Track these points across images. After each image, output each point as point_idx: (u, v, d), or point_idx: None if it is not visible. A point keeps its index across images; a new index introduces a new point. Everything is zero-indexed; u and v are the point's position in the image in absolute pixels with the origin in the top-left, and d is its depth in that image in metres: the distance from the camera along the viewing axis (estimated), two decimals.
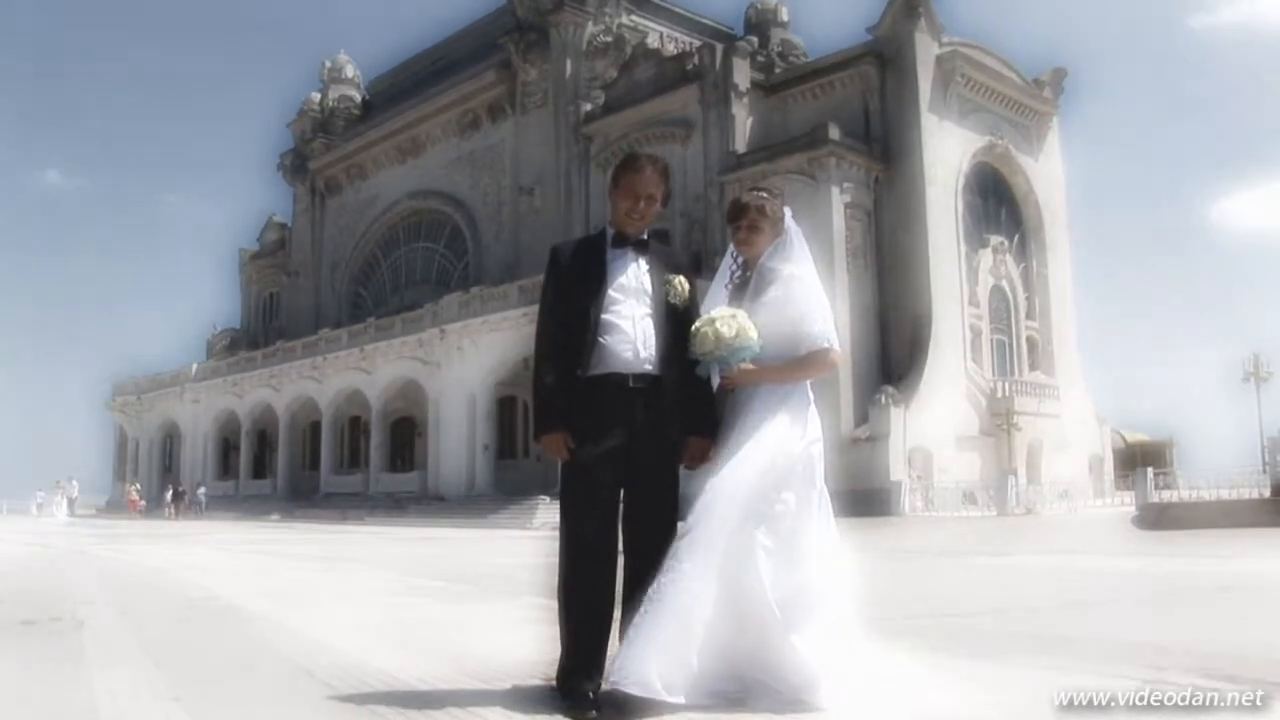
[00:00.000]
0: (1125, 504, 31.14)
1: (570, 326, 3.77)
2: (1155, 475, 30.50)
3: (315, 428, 55.59)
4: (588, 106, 51.52)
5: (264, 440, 59.92)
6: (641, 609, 3.46)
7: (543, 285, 3.94)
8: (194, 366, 64.90)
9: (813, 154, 42.50)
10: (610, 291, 3.79)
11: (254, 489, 58.18)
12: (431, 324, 46.65)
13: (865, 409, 39.88)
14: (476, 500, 41.80)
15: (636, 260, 3.87)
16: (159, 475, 64.38)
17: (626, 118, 49.73)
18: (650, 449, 3.72)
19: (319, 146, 68.76)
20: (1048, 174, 50.24)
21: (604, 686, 3.46)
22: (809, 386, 3.87)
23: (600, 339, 3.73)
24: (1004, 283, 47.41)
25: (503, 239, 55.68)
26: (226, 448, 62.72)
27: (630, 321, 3.76)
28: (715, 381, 3.87)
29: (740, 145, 45.79)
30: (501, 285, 45.73)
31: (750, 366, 3.74)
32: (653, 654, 3.37)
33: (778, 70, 49.63)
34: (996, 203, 48.17)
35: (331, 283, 67.31)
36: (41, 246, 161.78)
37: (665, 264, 3.91)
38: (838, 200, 42.22)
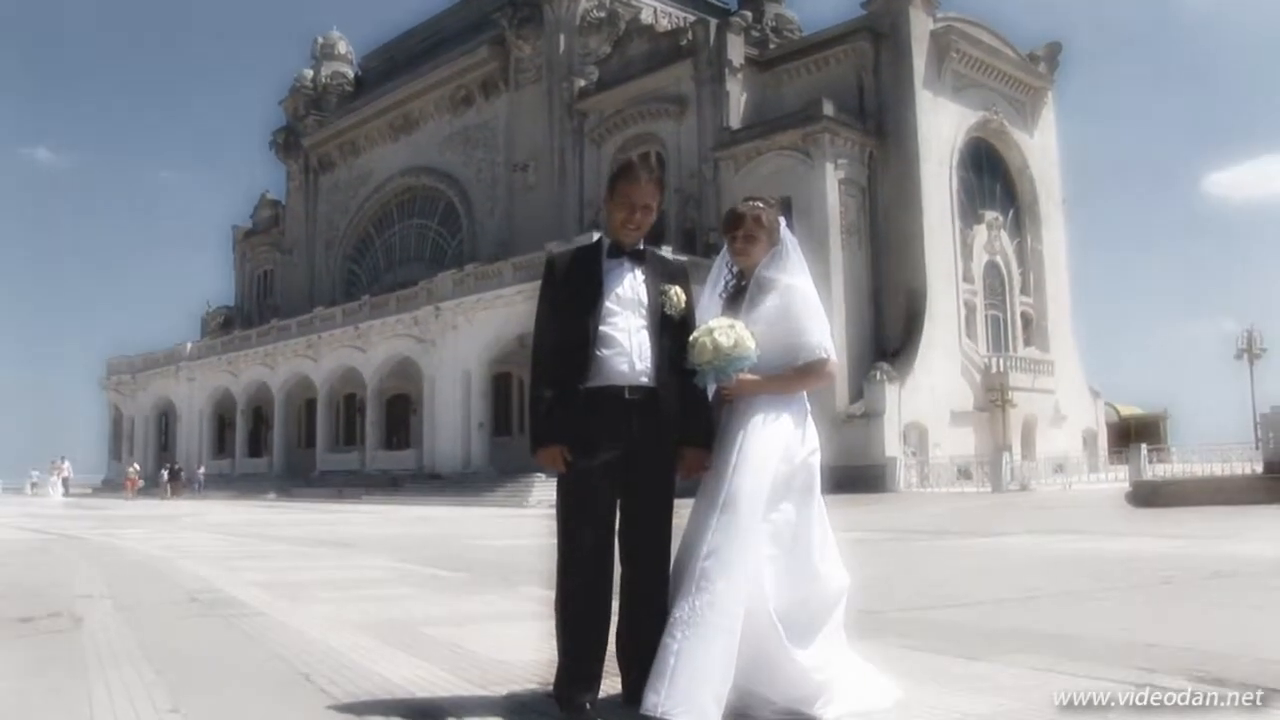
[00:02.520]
0: (1119, 479, 31.29)
1: (567, 339, 3.78)
2: (1149, 451, 30.71)
3: (310, 405, 55.63)
4: (581, 83, 51.42)
5: (259, 418, 59.95)
6: (677, 634, 3.44)
7: (539, 296, 3.93)
8: (188, 345, 64.82)
9: (807, 130, 42.47)
10: (607, 303, 3.78)
11: (250, 467, 58.31)
12: (426, 301, 46.65)
13: (860, 385, 40.00)
14: (472, 478, 41.89)
15: (633, 271, 3.86)
16: (155, 454, 64.48)
17: (620, 94, 49.63)
18: (646, 461, 3.72)
19: (312, 124, 68.54)
20: (1042, 149, 50.27)
21: (654, 715, 3.41)
22: (806, 396, 3.88)
23: (597, 352, 3.74)
24: (998, 258, 47.48)
25: (497, 215, 55.61)
26: (222, 426, 62.77)
27: (626, 334, 3.76)
28: (711, 391, 3.87)
29: (734, 121, 45.71)
30: (496, 262, 45.71)
31: (748, 377, 3.74)
32: (703, 681, 3.36)
33: (772, 46, 49.52)
34: (991, 178, 48.21)
35: (326, 260, 67.25)
36: (33, 225, 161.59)
37: (661, 274, 3.91)
38: (832, 176, 42.24)
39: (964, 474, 37.40)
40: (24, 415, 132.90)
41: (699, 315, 3.95)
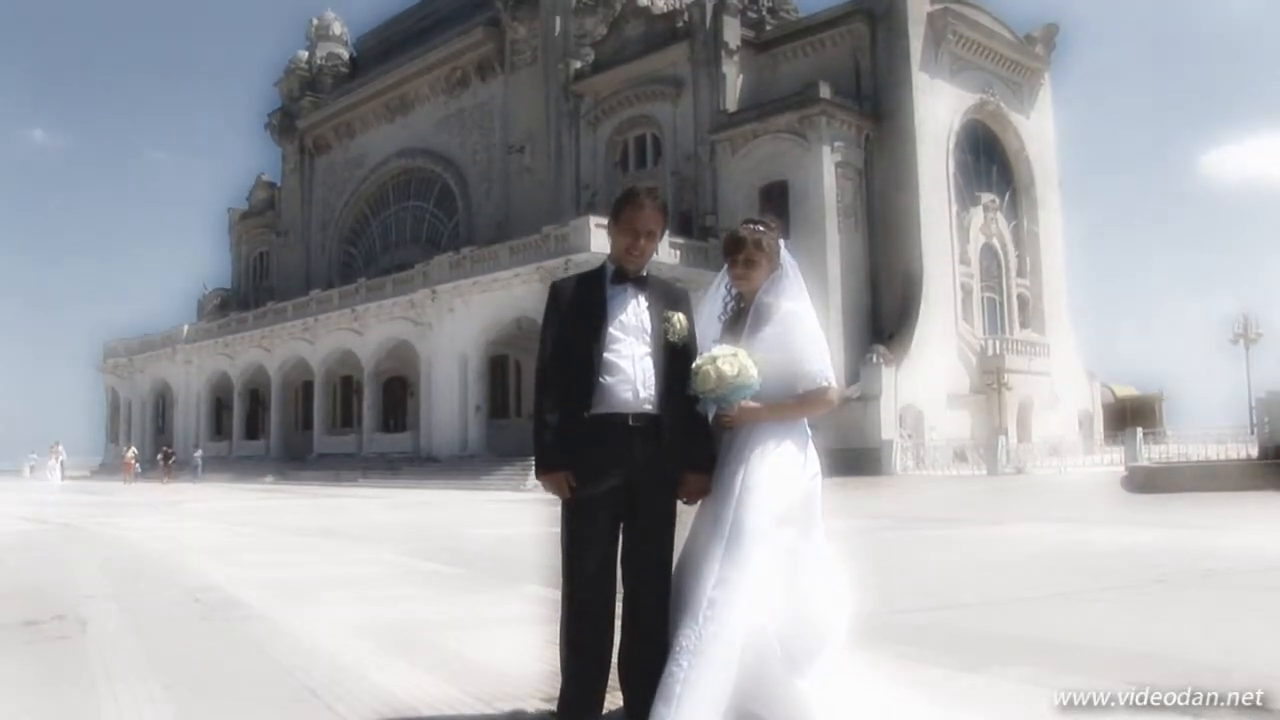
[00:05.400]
0: (1114, 462, 31.39)
1: (571, 365, 3.81)
2: (1144, 434, 30.80)
3: (307, 388, 55.67)
4: (577, 64, 51.22)
5: (256, 400, 59.93)
6: (683, 661, 3.48)
7: (543, 321, 3.96)
8: (185, 328, 64.76)
9: (804, 113, 42.41)
10: (610, 330, 3.82)
11: (247, 450, 58.37)
12: (422, 285, 46.62)
13: (856, 368, 39.99)
14: (469, 461, 41.96)
15: (636, 297, 3.89)
16: (152, 437, 64.53)
17: (616, 76, 49.46)
18: (649, 487, 3.77)
19: (307, 105, 68.35)
20: (1039, 131, 50.21)
21: None
22: (807, 421, 3.92)
23: (601, 379, 3.77)
24: (995, 241, 47.50)
25: (493, 197, 55.50)
26: (219, 408, 62.77)
27: (630, 361, 3.79)
28: (711, 415, 3.90)
29: (731, 104, 45.62)
30: (492, 245, 45.61)
31: (750, 405, 3.78)
32: (707, 708, 3.42)
33: (768, 27, 49.33)
34: (988, 160, 48.18)
35: (321, 242, 67.15)
36: (29, 206, 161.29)
37: (664, 299, 3.93)
38: (828, 159, 42.19)
39: (960, 457, 37.51)
40: (21, 398, 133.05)
41: (699, 333, 3.98)
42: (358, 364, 51.20)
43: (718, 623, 3.50)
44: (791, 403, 3.83)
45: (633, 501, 3.77)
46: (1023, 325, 48.36)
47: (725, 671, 3.47)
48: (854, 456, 35.11)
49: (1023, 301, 48.94)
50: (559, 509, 3.85)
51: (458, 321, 44.72)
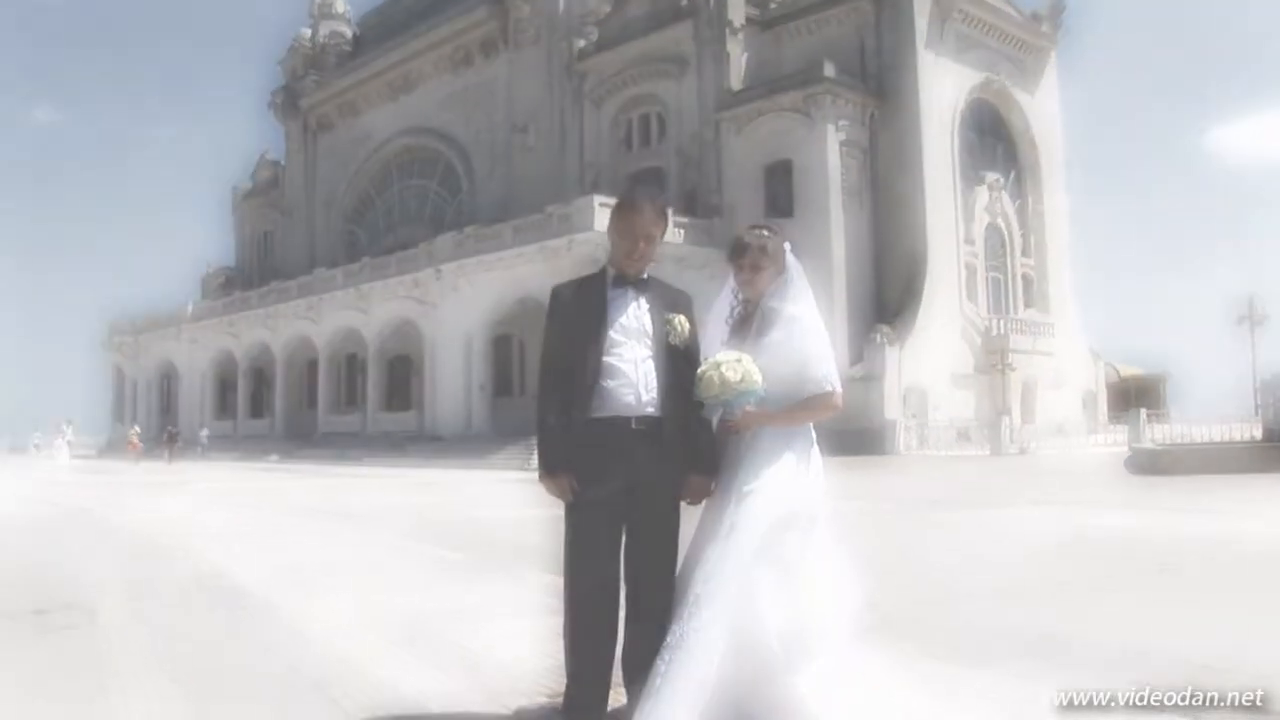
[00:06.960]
0: (1118, 443, 31.39)
1: (572, 368, 3.83)
2: (1148, 415, 30.82)
3: (312, 366, 55.67)
4: (581, 43, 51.03)
5: (261, 379, 59.99)
6: (664, 657, 3.54)
7: (545, 325, 3.98)
8: (189, 306, 64.80)
9: (808, 91, 42.28)
10: (611, 333, 3.84)
11: (252, 429, 58.45)
12: (427, 263, 46.60)
13: (860, 347, 39.97)
14: (474, 440, 41.97)
15: (637, 300, 3.91)
16: (157, 415, 64.67)
17: (620, 54, 49.26)
18: (652, 489, 3.80)
19: (310, 84, 68.14)
20: (1044, 110, 50.00)
21: None
22: (811, 426, 3.94)
23: (602, 382, 3.79)
24: (999, 220, 47.40)
25: (496, 176, 55.33)
26: (224, 388, 62.85)
27: (632, 365, 3.81)
28: (715, 419, 3.93)
29: (735, 82, 45.42)
30: (496, 224, 45.54)
31: (754, 410, 3.80)
32: (680, 703, 3.46)
33: (773, 5, 49.02)
34: (993, 140, 48.00)
35: (325, 221, 67.03)
36: (33, 185, 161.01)
37: (665, 302, 3.95)
38: (833, 138, 42.09)
39: (963, 437, 37.55)
40: (26, 376, 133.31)
41: (705, 339, 4.01)
42: (362, 343, 51.28)
43: (698, 619, 3.56)
44: (796, 408, 3.86)
45: (635, 504, 3.80)
46: (1027, 305, 48.30)
47: (700, 667, 3.51)
48: (857, 436, 35.09)
49: (1027, 281, 48.88)
50: (563, 510, 3.88)
51: (462, 300, 44.73)
